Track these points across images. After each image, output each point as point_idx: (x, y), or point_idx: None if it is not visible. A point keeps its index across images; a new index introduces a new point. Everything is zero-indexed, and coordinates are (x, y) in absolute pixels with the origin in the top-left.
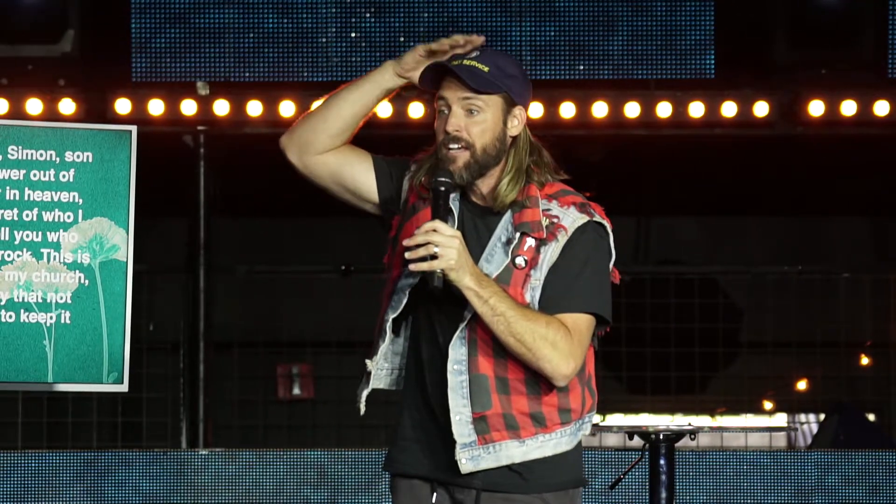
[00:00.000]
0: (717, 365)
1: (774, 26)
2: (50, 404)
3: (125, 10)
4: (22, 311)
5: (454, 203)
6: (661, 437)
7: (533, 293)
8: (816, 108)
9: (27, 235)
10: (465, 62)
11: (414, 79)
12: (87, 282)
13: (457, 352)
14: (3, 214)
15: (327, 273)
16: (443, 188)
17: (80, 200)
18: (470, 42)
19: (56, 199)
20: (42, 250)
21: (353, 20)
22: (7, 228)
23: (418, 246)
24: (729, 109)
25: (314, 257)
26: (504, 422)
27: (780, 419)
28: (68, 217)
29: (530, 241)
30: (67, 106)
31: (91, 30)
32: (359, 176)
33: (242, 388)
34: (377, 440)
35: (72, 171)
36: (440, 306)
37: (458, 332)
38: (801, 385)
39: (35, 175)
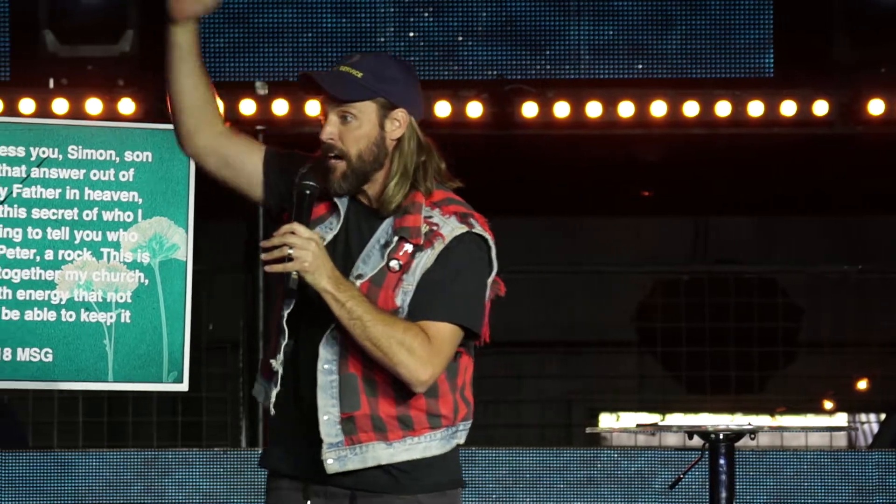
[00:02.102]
0: (776, 364)
1: (833, 24)
2: (110, 403)
3: None
4: (82, 310)
5: (342, 203)
6: (721, 436)
7: (405, 297)
8: (876, 106)
9: (87, 235)
10: (341, 68)
11: (192, 12)
12: (146, 281)
13: (327, 351)
14: (63, 214)
15: None
16: (307, 191)
17: (140, 200)
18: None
19: (116, 198)
20: (102, 250)
21: (412, 19)
22: (67, 228)
23: (276, 247)
24: (788, 108)
25: None
26: (372, 423)
27: (841, 419)
28: (128, 216)
29: (407, 247)
30: (127, 106)
31: (150, 29)
32: (247, 168)
33: None
34: None
35: (131, 171)
36: (314, 305)
37: (328, 332)
38: (862, 385)
39: (95, 175)
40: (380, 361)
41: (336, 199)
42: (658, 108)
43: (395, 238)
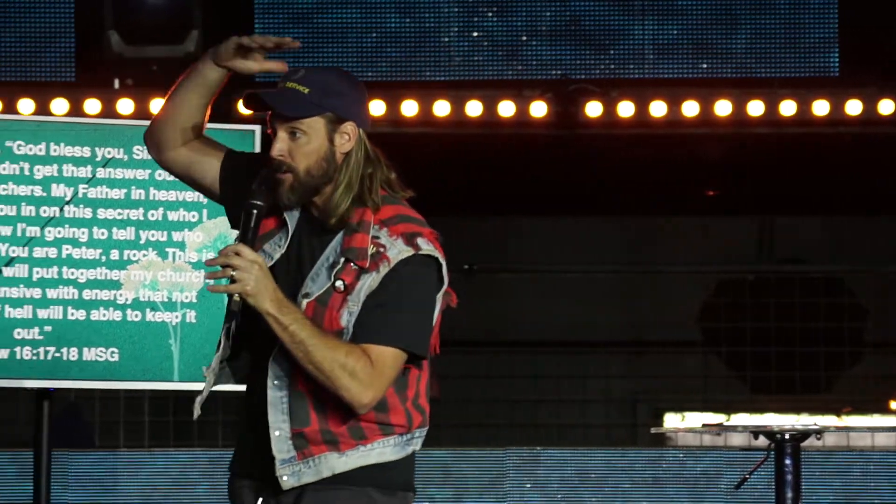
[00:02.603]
0: (842, 364)
1: None
2: (176, 403)
3: (249, 10)
4: (148, 310)
5: (290, 218)
6: (787, 436)
7: (350, 318)
8: None
9: (152, 235)
10: (288, 84)
11: (235, 68)
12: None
13: (276, 368)
14: (128, 214)
15: (451, 272)
16: (254, 210)
17: (205, 200)
18: (282, 44)
19: (181, 198)
20: (167, 250)
21: (476, 19)
22: (133, 228)
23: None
24: (853, 108)
25: None
26: (322, 437)
27: None
28: (193, 216)
29: (353, 268)
30: None
31: (215, 30)
32: (207, 172)
33: None
34: (501, 439)
35: None
36: (262, 323)
37: (276, 348)
38: None
39: (160, 175)
40: (322, 384)
41: (285, 214)
42: (723, 108)
43: (342, 259)
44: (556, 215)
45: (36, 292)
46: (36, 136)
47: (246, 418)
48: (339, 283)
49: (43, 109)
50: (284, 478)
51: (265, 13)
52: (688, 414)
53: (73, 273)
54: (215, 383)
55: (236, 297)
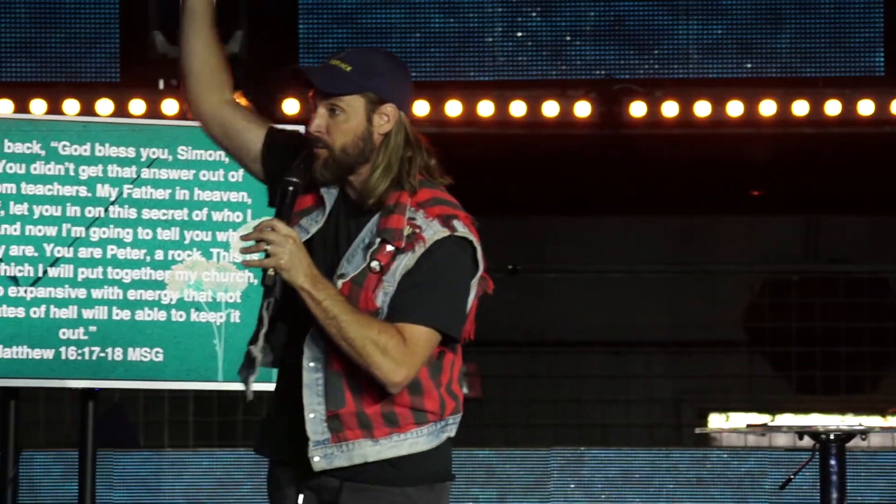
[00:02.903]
0: (888, 364)
1: None
2: (220, 403)
3: (293, 11)
4: (192, 310)
5: (329, 196)
6: (832, 437)
7: (385, 298)
8: None
9: (197, 235)
10: (332, 61)
11: None
12: (255, 281)
13: (312, 349)
14: (173, 214)
15: (494, 272)
16: (290, 187)
17: (249, 200)
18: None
19: (225, 199)
20: (212, 250)
21: (520, 19)
22: (177, 228)
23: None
24: None
25: None
26: (357, 420)
27: None
28: (237, 217)
29: (389, 248)
30: None
31: (259, 31)
32: (247, 142)
33: None
34: (545, 439)
35: (241, 171)
36: (297, 302)
37: (311, 329)
38: None
39: (204, 175)
40: (355, 361)
41: (323, 192)
42: (767, 108)
43: (378, 239)
44: (599, 215)
45: (81, 292)
46: (81, 137)
47: (277, 400)
48: (374, 264)
49: (88, 110)
50: (316, 458)
51: (309, 14)
52: (732, 414)
53: (117, 273)
54: (262, 362)
55: (270, 272)
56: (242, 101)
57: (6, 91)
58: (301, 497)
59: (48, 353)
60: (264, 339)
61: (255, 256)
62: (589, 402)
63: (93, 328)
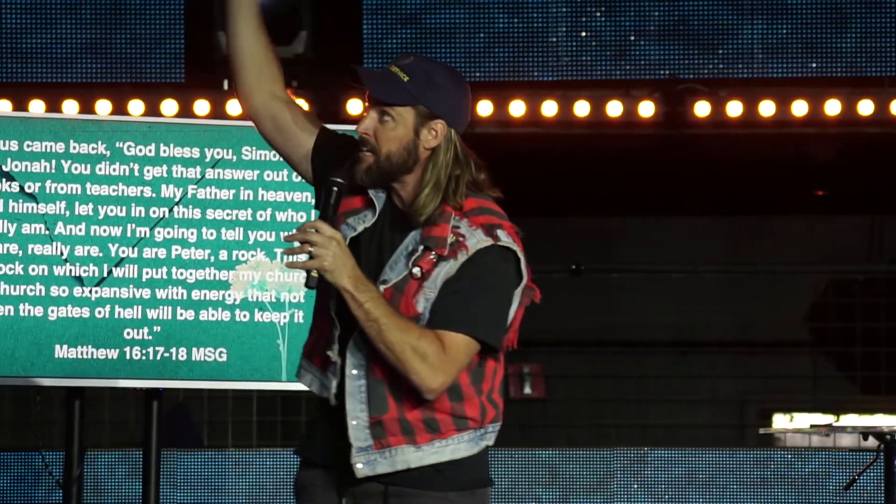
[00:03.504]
0: None
1: None
2: (284, 403)
3: (357, 11)
4: (256, 310)
5: (378, 199)
6: None
7: (426, 304)
8: None
9: (261, 235)
10: (392, 67)
11: None
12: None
13: (355, 355)
14: (237, 215)
15: (558, 272)
16: (335, 188)
17: (313, 200)
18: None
19: (289, 199)
20: (276, 250)
21: (584, 19)
22: (241, 228)
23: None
24: None
25: (545, 256)
26: (400, 426)
27: None
28: (301, 217)
29: (431, 255)
30: (301, 106)
31: (323, 31)
32: (298, 140)
33: None
34: (608, 439)
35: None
36: (340, 307)
37: (353, 336)
38: None
39: (268, 175)
40: (393, 364)
41: (372, 195)
42: (832, 107)
43: (421, 247)
44: (664, 215)
45: (145, 293)
46: (146, 138)
47: (320, 405)
48: (416, 270)
49: (153, 111)
50: (359, 465)
51: (373, 14)
52: (796, 414)
53: (181, 273)
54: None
55: (314, 273)
56: (294, 99)
57: (72, 92)
58: (343, 501)
59: (113, 353)
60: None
61: (301, 258)
62: (652, 403)
63: (157, 328)
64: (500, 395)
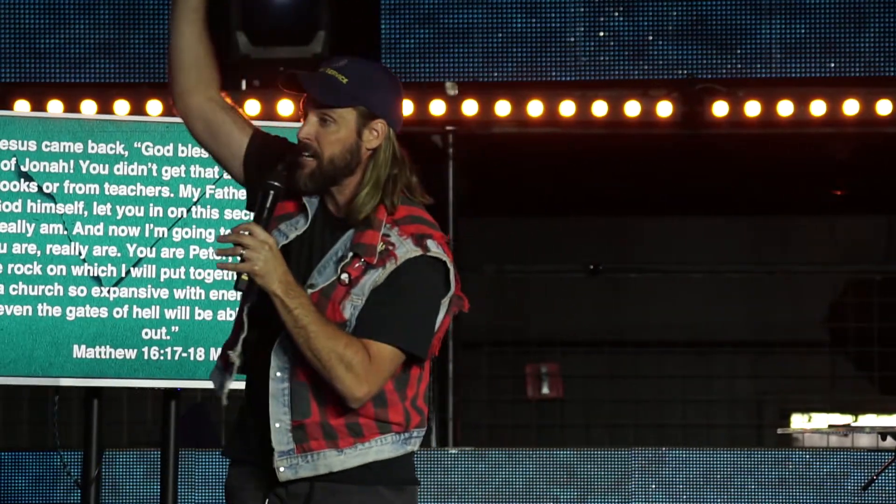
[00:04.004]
0: None
1: None
2: None
3: (375, 11)
4: None
5: (311, 205)
6: None
7: (353, 311)
8: None
9: None
10: (328, 71)
11: None
12: None
13: (279, 359)
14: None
15: (575, 272)
16: (271, 191)
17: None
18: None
19: None
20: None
21: (602, 19)
22: None
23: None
24: None
25: (562, 256)
26: (322, 431)
27: None
28: None
29: (360, 263)
30: None
31: (341, 31)
32: (231, 143)
33: (491, 387)
34: (626, 439)
35: None
36: (267, 309)
37: (279, 338)
38: None
39: None
40: (319, 372)
41: (305, 200)
42: (851, 107)
43: (350, 253)
44: (681, 215)
45: (163, 293)
46: (164, 138)
47: (247, 405)
48: (343, 276)
49: (171, 111)
50: (281, 469)
51: (391, 13)
52: (814, 415)
53: (199, 273)
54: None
55: (244, 276)
56: (228, 101)
57: (90, 92)
58: (267, 502)
59: (131, 353)
60: (242, 343)
61: (233, 259)
62: (670, 403)
63: (175, 328)
64: (426, 401)
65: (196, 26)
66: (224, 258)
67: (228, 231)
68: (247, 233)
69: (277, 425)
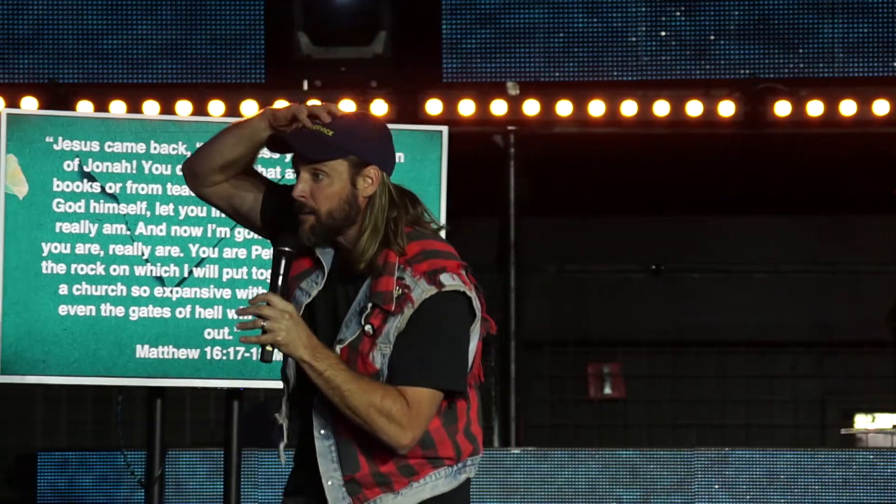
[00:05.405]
0: None
1: None
2: None
3: (436, 11)
4: None
5: (326, 258)
6: None
7: (383, 360)
8: None
9: None
10: (313, 127)
11: (284, 127)
12: None
13: (320, 416)
14: None
15: (637, 272)
16: (283, 258)
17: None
18: (330, 112)
19: None
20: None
21: (664, 19)
22: None
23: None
24: None
25: (624, 256)
26: (374, 479)
27: None
28: None
29: (380, 311)
30: (379, 107)
31: (403, 31)
32: (247, 206)
33: (553, 387)
34: (689, 440)
35: None
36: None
37: (316, 398)
38: None
39: None
40: (361, 427)
41: (319, 254)
42: None
43: (370, 304)
44: (744, 214)
45: (226, 293)
46: None
47: (299, 463)
48: (367, 328)
49: (233, 111)
50: None
51: (452, 14)
52: (878, 415)
53: (262, 273)
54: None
55: (269, 347)
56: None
57: (152, 92)
58: None
59: (193, 353)
60: (287, 403)
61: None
62: (733, 403)
63: (237, 328)
64: (480, 424)
65: (252, 153)
66: (245, 332)
67: (247, 305)
68: (265, 304)
69: (330, 483)
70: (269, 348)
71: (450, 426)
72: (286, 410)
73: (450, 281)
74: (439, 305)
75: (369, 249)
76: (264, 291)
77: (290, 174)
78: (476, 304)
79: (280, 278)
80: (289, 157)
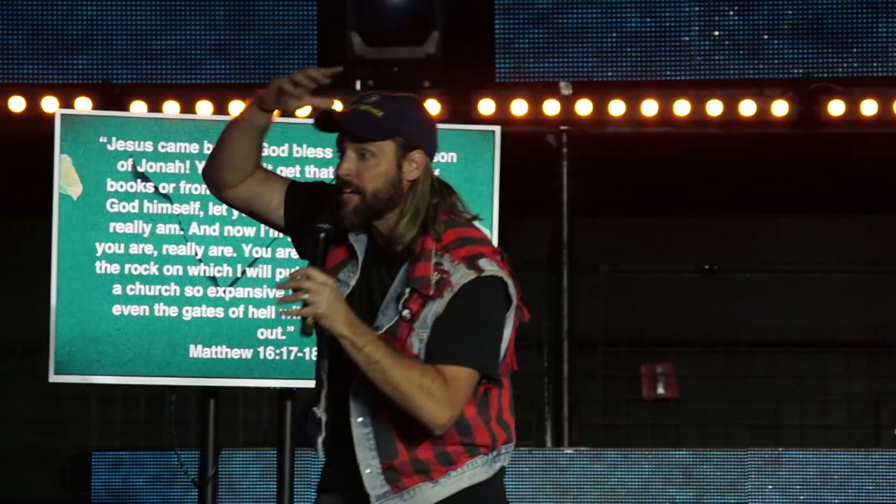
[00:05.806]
0: None
1: None
2: None
3: (489, 11)
4: None
5: (359, 246)
6: None
7: (420, 344)
8: None
9: None
10: (361, 107)
11: (284, 109)
12: None
13: (358, 404)
14: None
15: (689, 272)
16: (322, 234)
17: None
18: (327, 74)
19: None
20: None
21: (717, 18)
22: None
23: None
24: None
25: (676, 257)
26: (413, 467)
27: None
28: None
29: (419, 297)
30: (432, 106)
31: (455, 31)
32: (270, 204)
33: (606, 387)
34: (742, 440)
35: (436, 172)
36: (338, 355)
37: (354, 385)
38: None
39: None
40: (399, 404)
41: (353, 242)
42: None
43: (408, 290)
44: (797, 214)
45: (279, 293)
46: (279, 138)
47: (331, 454)
48: (405, 313)
49: (285, 112)
50: None
51: (505, 14)
52: None
53: None
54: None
55: (309, 320)
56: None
57: (205, 93)
58: None
59: (247, 353)
60: (325, 398)
61: (296, 306)
62: (786, 403)
63: (290, 328)
64: (512, 413)
65: (257, 142)
66: (286, 305)
67: (288, 279)
68: (305, 277)
69: (368, 471)
70: (309, 321)
71: (483, 413)
72: (324, 404)
73: (488, 266)
74: (478, 289)
75: (408, 234)
76: (304, 267)
77: (308, 172)
78: (512, 289)
79: (319, 256)
80: (296, 153)
